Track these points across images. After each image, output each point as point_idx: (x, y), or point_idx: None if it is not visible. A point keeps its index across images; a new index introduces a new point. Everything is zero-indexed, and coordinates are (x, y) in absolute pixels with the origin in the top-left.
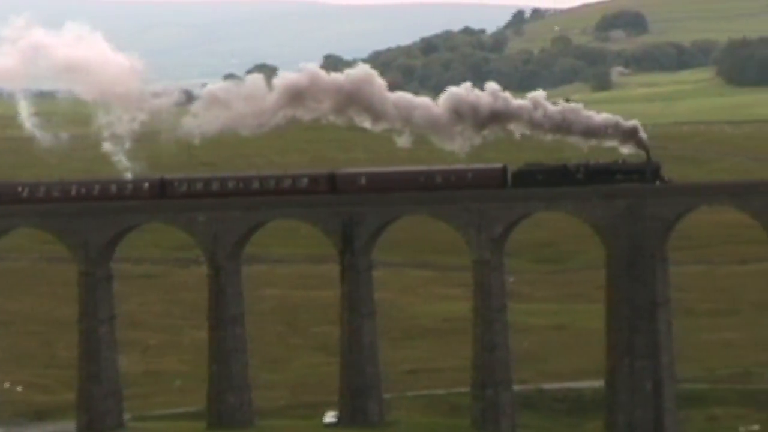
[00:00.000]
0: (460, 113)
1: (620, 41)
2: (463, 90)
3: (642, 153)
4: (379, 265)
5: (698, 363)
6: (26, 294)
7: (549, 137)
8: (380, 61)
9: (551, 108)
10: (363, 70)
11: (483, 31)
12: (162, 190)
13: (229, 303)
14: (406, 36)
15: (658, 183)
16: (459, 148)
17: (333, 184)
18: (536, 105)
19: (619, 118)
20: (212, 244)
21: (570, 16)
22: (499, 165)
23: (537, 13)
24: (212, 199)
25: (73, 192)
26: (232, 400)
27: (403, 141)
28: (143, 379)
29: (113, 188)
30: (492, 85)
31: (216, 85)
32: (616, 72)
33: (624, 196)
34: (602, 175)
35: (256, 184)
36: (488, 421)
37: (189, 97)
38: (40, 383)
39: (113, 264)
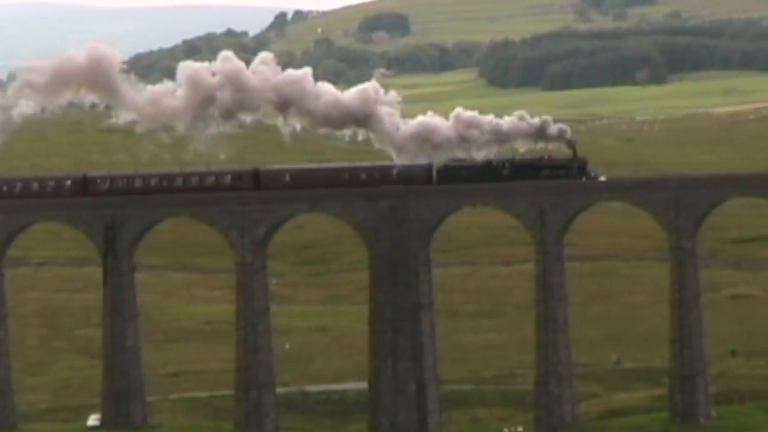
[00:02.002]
0: (204, 96)
1: (382, 43)
2: (200, 66)
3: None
4: (141, 267)
5: (462, 365)
6: None
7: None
8: (143, 63)
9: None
10: (99, 46)
11: (245, 33)
12: (84, 187)
13: None
14: (168, 38)
15: (584, 179)
16: (205, 146)
17: (257, 181)
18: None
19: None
20: None
21: (332, 18)
22: (424, 162)
23: (299, 14)
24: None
25: None
26: None
27: (145, 148)
28: None
29: (35, 186)
30: (225, 56)
31: None
32: (379, 74)
33: (386, 198)
34: (528, 171)
35: (179, 181)
36: (251, 424)
37: None
38: None
39: None
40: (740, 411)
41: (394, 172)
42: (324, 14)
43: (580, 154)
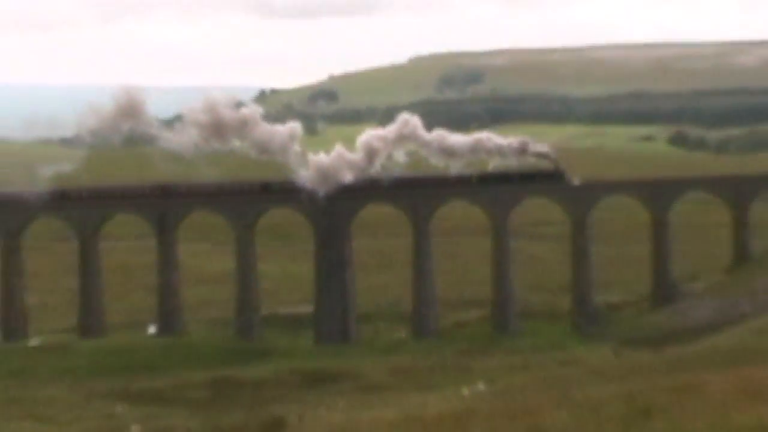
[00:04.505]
0: (211, 128)
1: (322, 107)
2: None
3: None
4: (180, 240)
5: (367, 297)
6: None
7: None
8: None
9: None
10: (128, 85)
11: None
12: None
13: None
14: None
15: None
16: (206, 165)
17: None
18: None
19: None
20: None
21: (294, 92)
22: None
23: (273, 90)
24: None
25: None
26: None
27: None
28: None
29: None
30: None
31: None
32: (320, 125)
33: (324, 198)
34: (527, 178)
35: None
36: (246, 335)
37: None
38: None
39: None
40: (534, 326)
41: None
42: (289, 90)
43: (561, 166)
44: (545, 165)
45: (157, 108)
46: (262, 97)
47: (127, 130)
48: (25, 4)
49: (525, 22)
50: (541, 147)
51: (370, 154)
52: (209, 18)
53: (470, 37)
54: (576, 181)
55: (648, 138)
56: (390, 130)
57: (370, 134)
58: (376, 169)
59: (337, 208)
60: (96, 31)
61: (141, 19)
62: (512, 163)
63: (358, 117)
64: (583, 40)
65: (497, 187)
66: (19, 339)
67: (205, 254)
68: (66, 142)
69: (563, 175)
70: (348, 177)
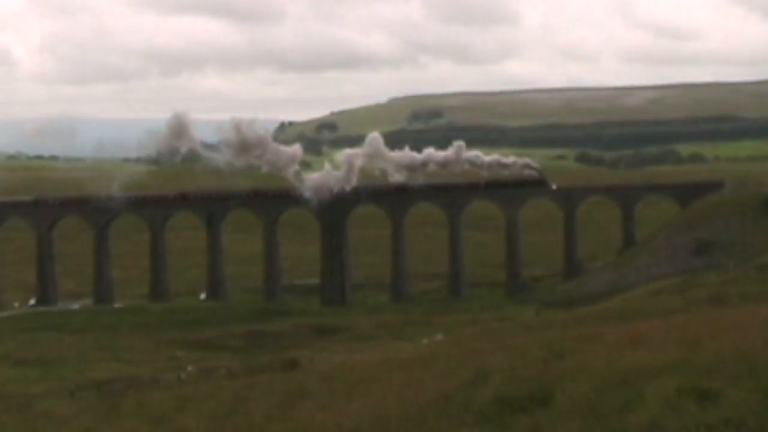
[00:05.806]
0: (240, 146)
1: (327, 135)
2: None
3: None
4: (223, 231)
5: (359, 271)
6: None
7: None
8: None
9: None
10: (179, 112)
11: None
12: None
13: None
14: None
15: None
16: (239, 172)
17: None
18: None
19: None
20: None
21: (306, 123)
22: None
23: (291, 122)
24: None
25: None
26: None
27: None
28: None
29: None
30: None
31: None
32: (325, 149)
33: (327, 199)
34: (517, 184)
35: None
36: (272, 299)
37: None
38: None
39: None
40: (478, 292)
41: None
42: (302, 123)
43: (544, 175)
44: (533, 175)
45: (203, 135)
46: (282, 127)
47: (179, 149)
48: (105, 61)
49: (472, 73)
50: (471, 153)
51: (349, 167)
52: (242, 72)
53: (433, 85)
54: (553, 186)
55: (561, 157)
56: (362, 149)
57: (347, 153)
58: (355, 178)
59: (336, 208)
60: (159, 80)
61: (192, 72)
62: (453, 170)
63: (352, 142)
64: (514, 86)
65: (504, 191)
66: (107, 303)
67: (242, 241)
68: (135, 161)
69: (546, 182)
70: (337, 188)
